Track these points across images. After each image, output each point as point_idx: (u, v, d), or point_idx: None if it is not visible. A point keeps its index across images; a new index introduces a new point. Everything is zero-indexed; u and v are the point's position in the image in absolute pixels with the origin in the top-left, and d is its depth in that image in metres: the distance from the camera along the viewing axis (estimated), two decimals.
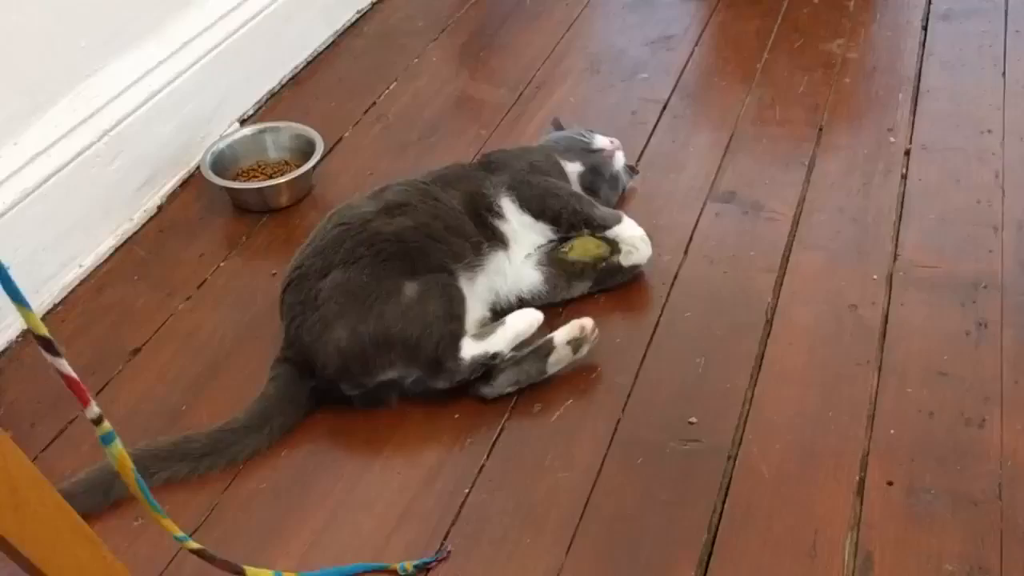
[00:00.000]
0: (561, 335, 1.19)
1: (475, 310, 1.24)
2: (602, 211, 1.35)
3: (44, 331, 0.68)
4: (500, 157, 1.40)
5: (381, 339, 1.15)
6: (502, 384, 1.19)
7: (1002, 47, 1.82)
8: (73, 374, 0.71)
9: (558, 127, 1.54)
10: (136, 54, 1.54)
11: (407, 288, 1.17)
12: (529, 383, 1.19)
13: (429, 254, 1.21)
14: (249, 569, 0.96)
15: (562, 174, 1.41)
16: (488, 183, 1.33)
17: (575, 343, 1.19)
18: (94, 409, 0.74)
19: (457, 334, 1.17)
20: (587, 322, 1.20)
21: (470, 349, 1.17)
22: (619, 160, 1.46)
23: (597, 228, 1.33)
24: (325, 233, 1.24)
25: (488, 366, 1.18)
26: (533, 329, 1.20)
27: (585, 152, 1.44)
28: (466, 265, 1.24)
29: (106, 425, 0.76)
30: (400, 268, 1.18)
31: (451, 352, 1.16)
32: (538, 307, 1.27)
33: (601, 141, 1.45)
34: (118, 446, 0.78)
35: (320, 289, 1.17)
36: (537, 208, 1.32)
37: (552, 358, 1.19)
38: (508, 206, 1.32)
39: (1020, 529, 1.01)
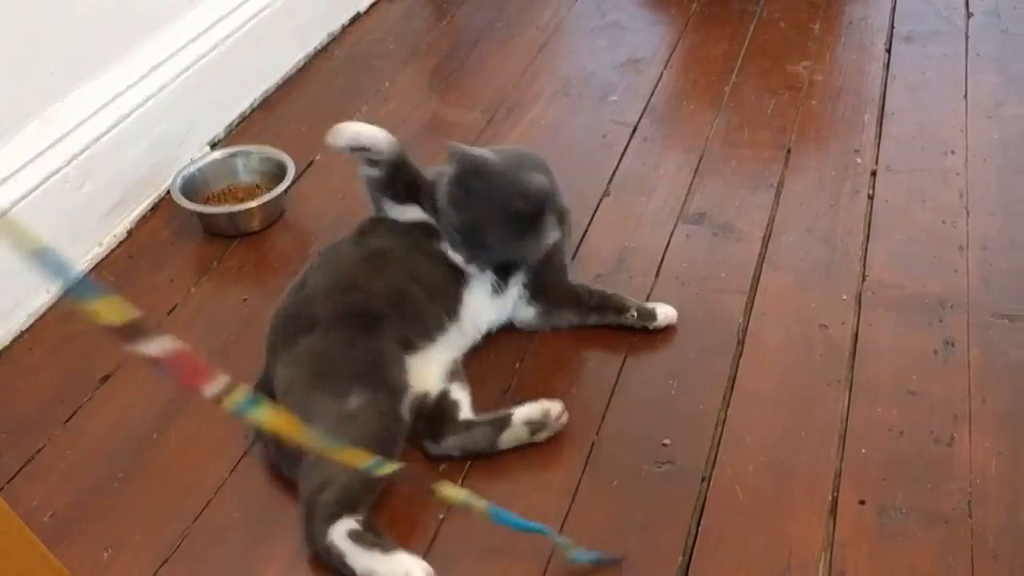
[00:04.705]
0: (521, 414, 1.13)
1: (444, 361, 1.22)
2: None
3: (126, 319, 0.63)
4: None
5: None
6: (448, 446, 1.14)
7: (963, 69, 1.86)
8: (178, 352, 0.67)
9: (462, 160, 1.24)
10: (105, 77, 1.53)
11: (352, 398, 1.09)
12: (476, 453, 1.14)
13: (394, 327, 1.17)
14: (440, 488, 0.96)
15: None
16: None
17: (534, 426, 1.13)
18: (216, 385, 0.70)
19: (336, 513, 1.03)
20: (554, 407, 1.13)
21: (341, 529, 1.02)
22: None
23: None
24: (314, 279, 1.21)
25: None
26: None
27: None
28: (434, 335, 1.21)
29: (236, 395, 0.71)
30: (352, 369, 1.12)
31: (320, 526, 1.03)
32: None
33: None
34: (262, 410, 0.74)
35: (299, 346, 1.15)
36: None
37: (506, 435, 1.13)
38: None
39: (989, 546, 1.02)
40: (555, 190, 1.25)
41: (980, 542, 1.03)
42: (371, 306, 1.18)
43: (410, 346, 1.19)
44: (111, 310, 0.62)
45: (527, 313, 1.31)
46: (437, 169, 1.28)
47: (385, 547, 1.00)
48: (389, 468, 0.93)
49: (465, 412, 1.16)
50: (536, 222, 1.21)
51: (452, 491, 0.98)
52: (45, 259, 0.58)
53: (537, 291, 1.30)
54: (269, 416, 0.74)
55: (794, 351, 1.28)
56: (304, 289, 1.21)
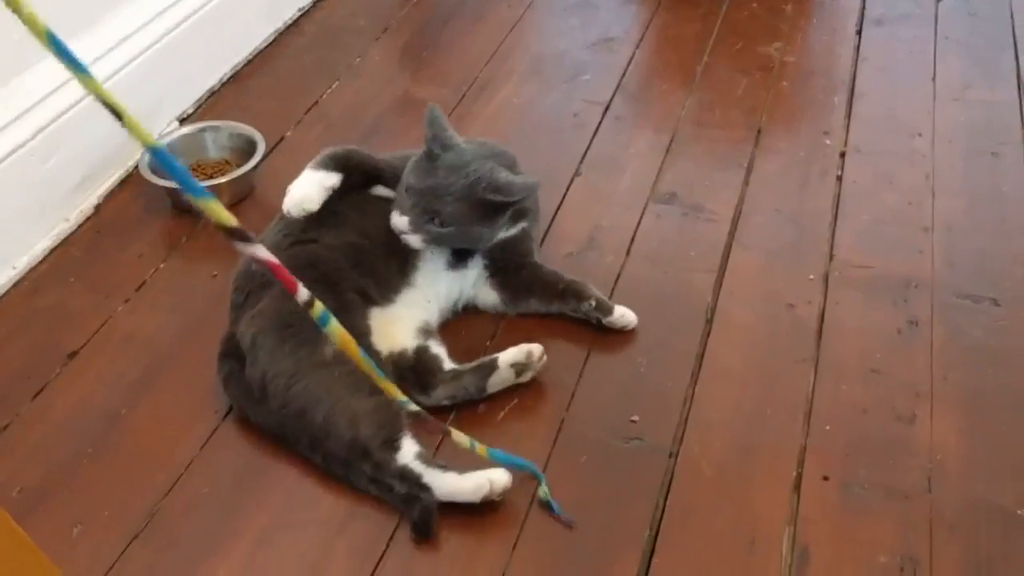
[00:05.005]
0: (506, 357, 1.18)
1: (415, 317, 1.24)
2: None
3: (233, 222, 0.66)
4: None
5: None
6: (439, 396, 1.17)
7: (932, 53, 1.88)
8: (273, 259, 0.71)
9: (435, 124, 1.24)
10: (72, 49, 1.50)
11: (327, 347, 1.11)
12: (466, 399, 1.18)
13: (351, 279, 1.20)
14: (454, 433, 1.04)
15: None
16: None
17: (519, 367, 1.18)
18: (303, 294, 0.75)
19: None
20: (535, 348, 1.19)
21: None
22: None
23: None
24: (266, 235, 1.25)
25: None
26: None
27: None
28: (391, 293, 1.23)
29: (319, 306, 0.76)
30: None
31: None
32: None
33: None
34: (335, 324, 0.78)
35: (262, 301, 1.17)
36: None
37: (494, 378, 1.18)
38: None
39: (948, 521, 1.05)
40: (525, 191, 1.22)
41: (939, 517, 1.05)
42: (323, 255, 1.20)
43: (370, 300, 1.21)
44: (221, 213, 0.66)
45: (491, 297, 1.32)
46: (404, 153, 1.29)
47: (458, 469, 1.06)
48: (413, 407, 0.98)
49: (448, 364, 1.19)
50: (494, 214, 1.22)
51: (461, 437, 1.05)
52: (159, 155, 0.64)
53: (500, 274, 1.30)
54: (337, 331, 0.79)
55: (761, 330, 1.29)
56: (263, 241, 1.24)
